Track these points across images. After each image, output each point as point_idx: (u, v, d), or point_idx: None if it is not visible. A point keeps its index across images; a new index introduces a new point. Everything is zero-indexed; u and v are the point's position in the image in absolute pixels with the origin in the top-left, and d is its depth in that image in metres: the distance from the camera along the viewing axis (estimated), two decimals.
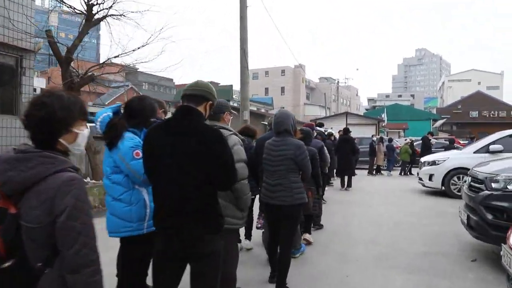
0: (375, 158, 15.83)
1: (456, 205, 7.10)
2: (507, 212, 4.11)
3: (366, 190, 11.01)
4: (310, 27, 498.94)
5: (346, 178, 11.07)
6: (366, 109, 68.71)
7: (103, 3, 8.69)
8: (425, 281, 3.99)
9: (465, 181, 7.74)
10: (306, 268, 4.35)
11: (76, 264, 1.39)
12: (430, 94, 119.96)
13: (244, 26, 11.96)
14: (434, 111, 51.97)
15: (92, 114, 2.89)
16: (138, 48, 9.18)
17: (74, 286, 1.39)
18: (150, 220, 2.39)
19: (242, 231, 4.87)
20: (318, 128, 9.91)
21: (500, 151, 8.58)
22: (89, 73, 9.16)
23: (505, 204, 4.16)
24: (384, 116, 31.58)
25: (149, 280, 2.38)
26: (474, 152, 9.24)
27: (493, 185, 4.38)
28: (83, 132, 1.57)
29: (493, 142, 8.99)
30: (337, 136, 12.19)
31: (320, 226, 6.33)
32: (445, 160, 9.97)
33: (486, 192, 4.41)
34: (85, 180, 9.65)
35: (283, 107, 52.36)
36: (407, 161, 16.14)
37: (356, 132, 18.11)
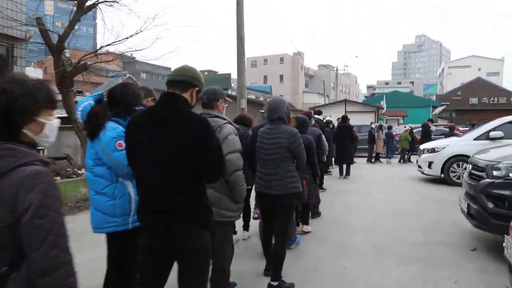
0: (375, 146, 15.71)
1: (455, 193, 7.02)
2: (508, 200, 3.99)
3: (365, 178, 10.91)
4: (309, 14, 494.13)
5: (344, 166, 10.96)
6: (366, 97, 68.41)
7: None
8: (423, 271, 3.89)
9: (465, 169, 7.67)
10: (302, 260, 4.26)
11: (45, 267, 1.27)
12: (430, 81, 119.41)
13: (241, 12, 11.70)
14: (434, 98, 51.69)
15: None
16: (131, 35, 8.96)
17: None
18: (136, 215, 2.27)
19: (240, 222, 4.78)
20: (316, 116, 9.75)
21: (501, 138, 8.47)
22: (82, 62, 8.97)
23: (506, 192, 4.04)
24: (383, 103, 31.36)
25: None
26: (474, 139, 9.12)
27: (495, 173, 4.26)
28: (51, 122, 1.43)
29: (493, 129, 8.87)
30: (336, 124, 12.04)
31: (318, 215, 6.25)
32: (444, 147, 9.85)
33: (487, 180, 4.29)
34: (79, 172, 9.54)
35: (282, 95, 52.13)
36: (407, 149, 16.03)
37: (355, 120, 17.98)
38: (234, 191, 2.89)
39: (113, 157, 2.30)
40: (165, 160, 1.96)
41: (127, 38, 8.99)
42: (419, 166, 10.61)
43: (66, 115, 8.39)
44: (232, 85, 43.69)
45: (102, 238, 2.58)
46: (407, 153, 16.20)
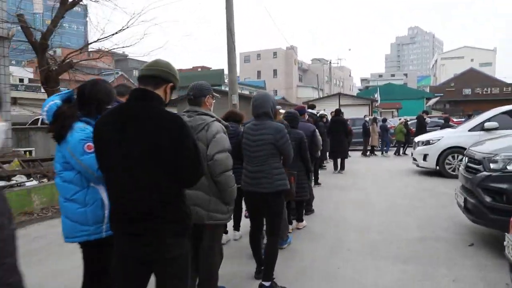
0: (369, 139, 15.60)
1: (451, 186, 6.92)
2: (506, 194, 3.85)
3: (359, 173, 10.78)
4: (302, 9, 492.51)
5: (339, 160, 10.82)
6: (359, 90, 68.36)
7: None
8: (419, 270, 3.74)
9: (460, 160, 7.55)
10: (295, 260, 4.10)
11: None
12: (423, 73, 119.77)
13: (230, 3, 11.43)
14: (428, 90, 51.72)
15: None
16: (117, 32, 8.74)
17: None
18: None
19: (230, 221, 4.62)
20: (310, 110, 9.58)
21: (495, 129, 8.37)
22: (67, 60, 8.73)
23: (504, 186, 3.90)
24: (377, 96, 31.25)
25: None
26: (469, 130, 9.02)
27: (492, 165, 4.11)
28: None
29: (488, 120, 8.77)
30: (330, 117, 11.88)
31: (311, 211, 6.11)
32: (439, 139, 9.73)
33: (484, 173, 4.15)
34: None
35: (276, 90, 51.89)
36: (402, 141, 15.94)
37: (349, 113, 17.84)
38: (224, 193, 2.74)
39: (82, 161, 2.12)
40: (137, 156, 1.79)
41: (113, 34, 8.78)
42: (414, 159, 10.49)
43: None
44: (225, 81, 43.41)
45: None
46: (402, 145, 16.11)
